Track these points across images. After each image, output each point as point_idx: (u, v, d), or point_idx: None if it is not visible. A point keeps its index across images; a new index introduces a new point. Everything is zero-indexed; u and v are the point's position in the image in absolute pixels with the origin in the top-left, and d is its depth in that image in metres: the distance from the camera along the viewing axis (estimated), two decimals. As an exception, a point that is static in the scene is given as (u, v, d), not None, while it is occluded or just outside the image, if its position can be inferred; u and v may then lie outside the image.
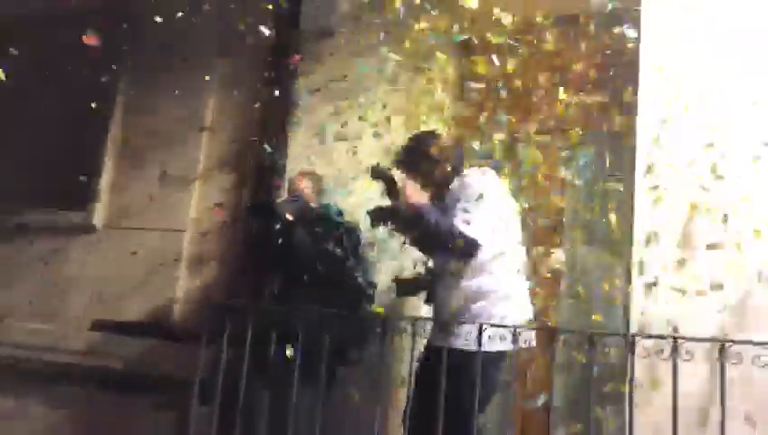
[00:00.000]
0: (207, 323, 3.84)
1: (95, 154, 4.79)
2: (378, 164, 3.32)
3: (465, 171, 3.19)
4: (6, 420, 4.56)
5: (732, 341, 2.64)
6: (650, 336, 2.74)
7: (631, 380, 2.66)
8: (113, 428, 4.15)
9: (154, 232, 4.50)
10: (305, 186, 3.81)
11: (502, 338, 2.78)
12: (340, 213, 3.73)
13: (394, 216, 3.15)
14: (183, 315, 4.32)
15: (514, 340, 2.75)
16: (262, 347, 3.34)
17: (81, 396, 4.35)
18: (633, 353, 2.65)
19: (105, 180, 4.75)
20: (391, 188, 3.23)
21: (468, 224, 2.97)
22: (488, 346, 2.79)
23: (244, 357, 3.41)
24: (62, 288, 4.70)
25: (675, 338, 2.63)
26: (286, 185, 4.00)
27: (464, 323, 2.88)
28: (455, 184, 3.15)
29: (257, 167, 4.27)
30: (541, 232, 3.71)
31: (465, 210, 2.99)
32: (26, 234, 4.89)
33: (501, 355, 2.90)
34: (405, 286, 3.41)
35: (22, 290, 4.80)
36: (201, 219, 4.42)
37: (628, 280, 3.39)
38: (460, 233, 2.95)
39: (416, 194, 3.09)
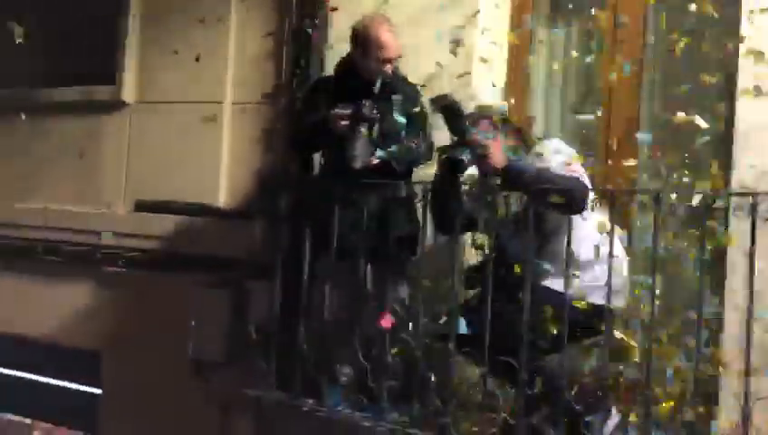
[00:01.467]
0: (259, 201, 3.72)
1: (117, 27, 4.48)
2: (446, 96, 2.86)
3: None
4: (55, 304, 4.53)
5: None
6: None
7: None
8: (167, 307, 4.09)
9: (189, 105, 4.25)
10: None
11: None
12: None
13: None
14: (228, 193, 4.15)
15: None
16: (323, 224, 3.20)
17: (129, 278, 4.28)
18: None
19: (131, 54, 4.46)
20: (457, 126, 2.77)
21: (576, 173, 2.75)
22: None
23: (303, 233, 3.29)
24: (98, 169, 4.54)
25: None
26: None
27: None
28: (541, 147, 2.91)
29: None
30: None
31: (568, 163, 2.78)
32: (55, 113, 4.69)
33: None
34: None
35: (57, 173, 4.65)
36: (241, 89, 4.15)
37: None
38: (576, 178, 2.72)
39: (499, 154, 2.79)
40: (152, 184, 4.31)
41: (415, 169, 3.29)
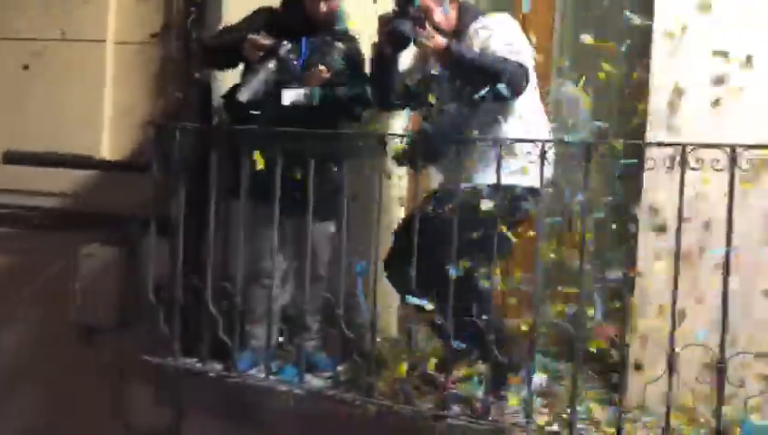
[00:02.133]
0: (153, 151, 3.38)
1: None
2: None
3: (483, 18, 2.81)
4: None
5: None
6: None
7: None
8: (48, 270, 3.71)
9: (63, 43, 3.80)
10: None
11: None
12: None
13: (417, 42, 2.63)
14: (113, 143, 3.75)
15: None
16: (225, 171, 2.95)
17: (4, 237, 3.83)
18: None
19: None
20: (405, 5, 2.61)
21: (519, 54, 2.65)
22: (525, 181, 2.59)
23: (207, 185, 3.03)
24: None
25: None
26: None
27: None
28: (482, 25, 2.75)
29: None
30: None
31: (509, 43, 2.66)
32: None
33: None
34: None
35: None
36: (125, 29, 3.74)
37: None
38: (519, 65, 2.62)
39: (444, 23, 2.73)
40: (23, 133, 3.84)
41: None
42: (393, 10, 2.64)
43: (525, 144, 2.52)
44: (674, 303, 2.38)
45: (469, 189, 2.63)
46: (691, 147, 2.34)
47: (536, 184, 2.55)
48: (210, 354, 2.95)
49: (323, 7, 3.02)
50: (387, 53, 2.72)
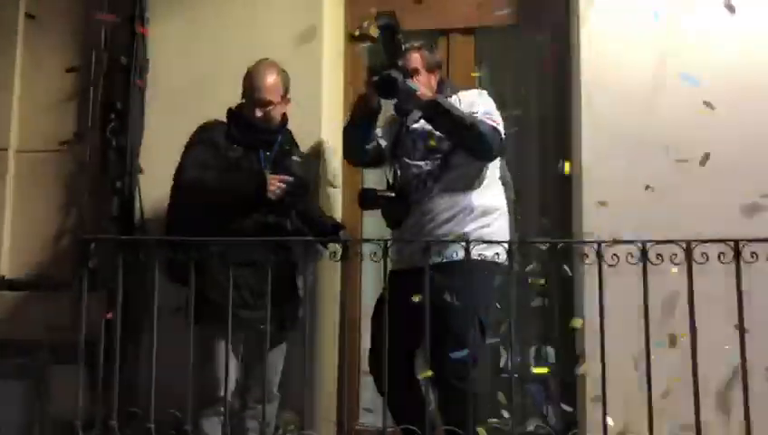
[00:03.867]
0: (69, 265, 3.07)
1: None
2: (388, 13, 2.70)
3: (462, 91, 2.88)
4: None
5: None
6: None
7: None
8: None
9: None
10: None
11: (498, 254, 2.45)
12: None
13: (404, 91, 2.65)
14: (15, 259, 3.37)
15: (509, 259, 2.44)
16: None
17: None
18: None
19: None
20: (393, 47, 2.67)
21: (497, 124, 2.71)
22: (492, 256, 2.53)
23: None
24: None
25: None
26: None
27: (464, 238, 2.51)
28: (467, 94, 2.83)
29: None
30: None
31: (488, 113, 2.72)
32: None
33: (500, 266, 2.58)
34: (371, 197, 2.85)
35: None
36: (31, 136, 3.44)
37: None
38: (494, 128, 2.68)
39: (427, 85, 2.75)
40: None
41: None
42: (381, 62, 2.69)
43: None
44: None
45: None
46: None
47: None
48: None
49: (258, 113, 2.92)
50: (370, 104, 2.73)
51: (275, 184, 2.78)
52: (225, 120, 2.94)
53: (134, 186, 3.23)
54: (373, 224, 3.26)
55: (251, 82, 2.87)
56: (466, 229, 2.66)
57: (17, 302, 3.29)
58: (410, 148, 2.81)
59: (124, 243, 2.85)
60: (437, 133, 2.74)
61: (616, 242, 2.33)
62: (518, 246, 2.60)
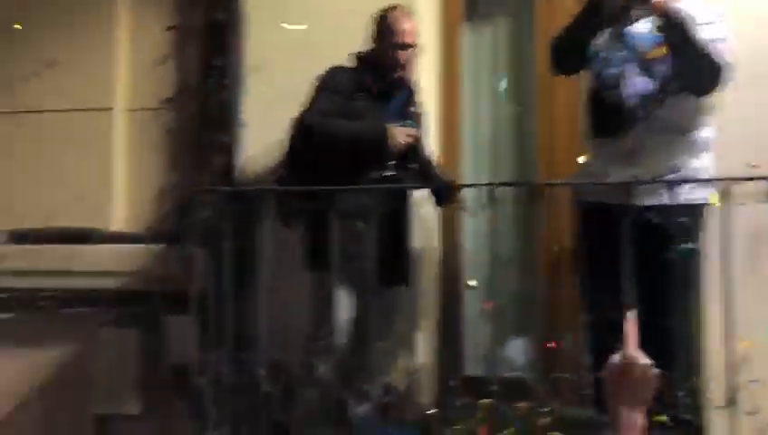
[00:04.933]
0: (174, 218, 3.19)
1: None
2: None
3: None
4: None
5: None
6: None
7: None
8: (60, 355, 3.42)
9: (69, 114, 3.58)
10: None
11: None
12: None
13: None
14: (126, 214, 3.53)
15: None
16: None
17: (9, 325, 3.51)
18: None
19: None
20: None
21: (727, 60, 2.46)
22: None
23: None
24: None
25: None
26: None
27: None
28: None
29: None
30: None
31: (721, 41, 2.46)
32: None
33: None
34: None
35: None
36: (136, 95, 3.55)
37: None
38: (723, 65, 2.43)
39: None
40: (26, 209, 3.59)
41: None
42: None
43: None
44: None
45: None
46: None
47: None
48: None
49: (402, 58, 2.89)
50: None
51: (401, 136, 2.74)
52: (349, 66, 2.90)
53: (235, 140, 3.30)
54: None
55: (392, 26, 2.84)
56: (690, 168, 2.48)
57: (131, 254, 3.43)
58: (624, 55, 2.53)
59: (233, 194, 2.95)
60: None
61: None
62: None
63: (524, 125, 3.42)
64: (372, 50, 2.91)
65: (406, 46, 2.85)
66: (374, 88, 2.84)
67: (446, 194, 2.87)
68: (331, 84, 2.82)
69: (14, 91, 3.66)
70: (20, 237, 3.56)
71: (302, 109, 2.84)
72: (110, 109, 3.54)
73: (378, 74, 2.86)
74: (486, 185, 2.42)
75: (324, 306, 2.72)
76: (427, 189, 2.94)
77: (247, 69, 3.33)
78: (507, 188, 2.48)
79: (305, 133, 2.76)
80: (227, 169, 3.29)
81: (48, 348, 3.45)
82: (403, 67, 2.87)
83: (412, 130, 2.79)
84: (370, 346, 2.66)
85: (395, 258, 2.77)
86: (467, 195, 2.51)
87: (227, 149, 3.30)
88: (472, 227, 3.25)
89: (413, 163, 2.85)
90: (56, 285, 3.46)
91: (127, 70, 3.56)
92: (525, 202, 2.52)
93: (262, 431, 2.68)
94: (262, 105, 3.30)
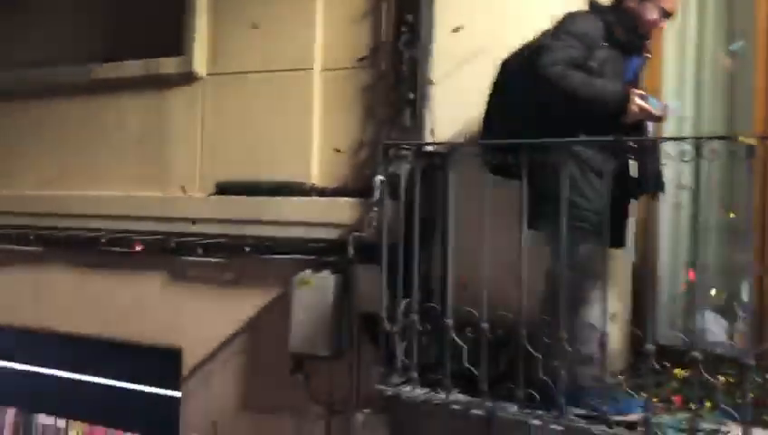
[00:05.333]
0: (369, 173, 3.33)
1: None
2: None
3: None
4: (126, 300, 4.13)
5: None
6: None
7: None
8: (258, 298, 3.71)
9: (271, 74, 3.82)
10: None
11: None
12: None
13: None
14: (321, 169, 3.72)
15: None
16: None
17: (211, 267, 3.86)
18: None
19: (201, 21, 4.01)
20: None
21: None
22: None
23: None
24: (167, 150, 4.12)
25: None
26: None
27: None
28: None
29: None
30: None
31: None
32: (114, 91, 4.28)
33: None
34: None
35: (121, 157, 4.24)
36: (332, 55, 3.72)
37: None
38: None
39: None
40: (232, 164, 3.90)
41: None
42: None
43: None
44: None
45: None
46: None
47: None
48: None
49: (663, 23, 2.78)
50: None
51: (639, 109, 2.56)
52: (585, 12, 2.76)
53: (425, 97, 3.37)
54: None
55: None
56: None
57: (326, 207, 3.63)
58: None
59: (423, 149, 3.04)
60: None
61: None
62: None
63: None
64: (627, 4, 2.74)
65: (669, 15, 2.74)
66: (623, 43, 2.70)
67: (653, 183, 2.73)
68: (576, 30, 2.65)
69: (224, 53, 3.97)
70: (227, 189, 3.88)
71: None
72: (310, 69, 3.73)
73: (630, 30, 2.70)
74: (692, 138, 2.32)
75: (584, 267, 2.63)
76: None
77: (438, 26, 3.37)
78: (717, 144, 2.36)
79: (542, 82, 2.58)
80: (418, 124, 3.37)
81: (251, 290, 3.76)
82: (655, 33, 2.77)
83: (653, 108, 2.59)
84: (586, 308, 2.63)
85: (620, 218, 2.70)
86: (669, 149, 2.42)
87: (418, 105, 3.38)
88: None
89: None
90: (258, 233, 3.75)
91: (324, 31, 3.72)
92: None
93: (447, 379, 2.77)
94: (452, 63, 3.34)
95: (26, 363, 4.72)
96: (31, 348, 4.67)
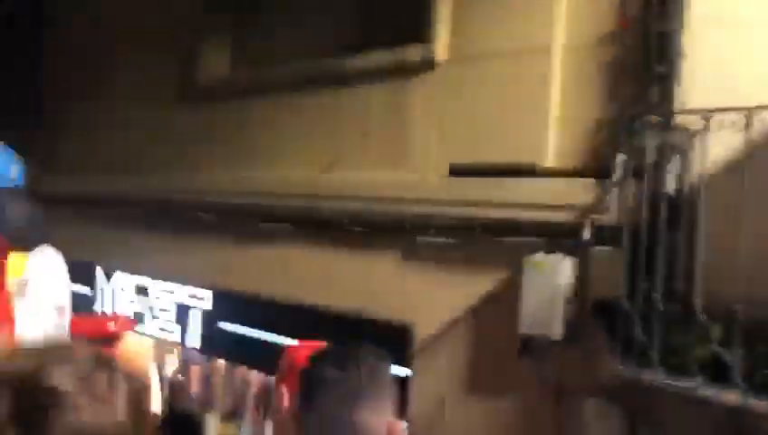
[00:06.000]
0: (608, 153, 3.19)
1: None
2: None
3: None
4: (362, 277, 4.32)
5: None
6: None
7: None
8: (490, 279, 3.70)
9: (507, 51, 3.81)
10: None
11: None
12: None
13: None
14: (557, 150, 3.63)
15: None
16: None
17: (445, 248, 3.92)
18: None
19: (444, 6, 4.10)
20: None
21: None
22: None
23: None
24: (406, 134, 4.25)
25: None
26: None
27: None
28: None
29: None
30: None
31: None
32: (359, 81, 4.51)
33: None
34: None
35: (362, 141, 4.45)
36: (574, 30, 3.62)
37: None
38: None
39: None
40: (467, 146, 3.93)
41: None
42: None
43: None
44: None
45: None
46: None
47: None
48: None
49: None
50: None
51: None
52: None
53: (675, 71, 3.17)
54: None
55: None
56: None
57: (561, 188, 3.53)
58: None
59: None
60: None
61: None
62: None
63: None
64: None
65: None
66: None
67: None
68: None
69: (465, 35, 4.02)
70: (461, 171, 3.91)
71: None
72: (549, 46, 3.65)
73: None
74: None
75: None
76: None
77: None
78: None
79: None
80: (665, 100, 3.18)
81: (481, 271, 3.76)
82: None
83: None
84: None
85: None
86: None
87: (666, 80, 3.18)
88: None
89: None
90: (490, 214, 3.75)
91: (567, 5, 3.64)
92: None
93: (692, 366, 2.57)
94: (702, 35, 3.12)
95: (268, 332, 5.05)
96: (277, 319, 4.99)
